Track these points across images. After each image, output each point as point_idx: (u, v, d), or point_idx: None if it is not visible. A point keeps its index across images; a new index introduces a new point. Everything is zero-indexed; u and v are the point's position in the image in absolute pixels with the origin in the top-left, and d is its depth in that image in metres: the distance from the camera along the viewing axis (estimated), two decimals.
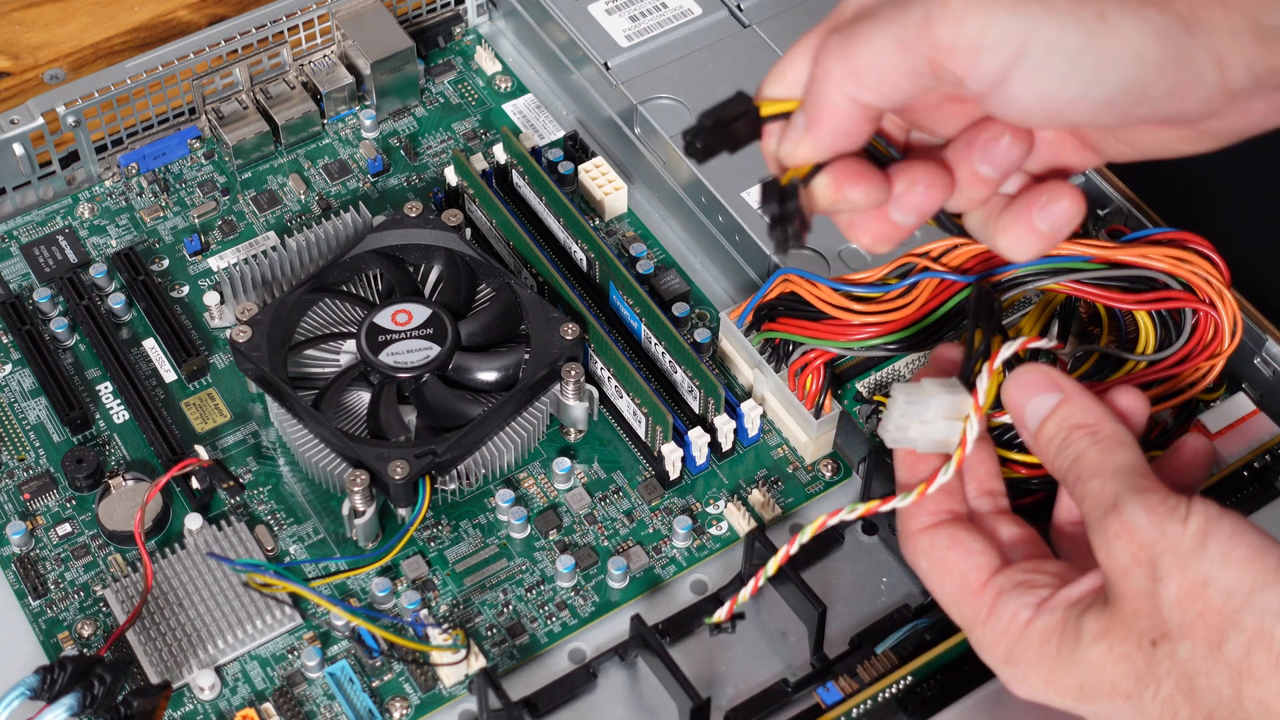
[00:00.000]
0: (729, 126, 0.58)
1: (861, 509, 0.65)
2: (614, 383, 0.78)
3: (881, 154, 0.60)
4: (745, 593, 0.69)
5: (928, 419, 0.63)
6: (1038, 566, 0.60)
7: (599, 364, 0.78)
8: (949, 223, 0.62)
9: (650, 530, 0.76)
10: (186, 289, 0.84)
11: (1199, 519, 0.54)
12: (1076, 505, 0.59)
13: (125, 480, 0.76)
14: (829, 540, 0.74)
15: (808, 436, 0.77)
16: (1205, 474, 0.64)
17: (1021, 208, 0.60)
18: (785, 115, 0.57)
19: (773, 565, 0.67)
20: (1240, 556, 0.53)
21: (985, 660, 0.60)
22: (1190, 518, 0.54)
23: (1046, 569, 0.60)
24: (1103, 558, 0.56)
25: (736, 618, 0.70)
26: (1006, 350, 0.63)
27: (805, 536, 0.65)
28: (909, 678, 0.68)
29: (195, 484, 0.75)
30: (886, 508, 0.64)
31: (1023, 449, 0.69)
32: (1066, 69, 0.53)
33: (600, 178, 0.87)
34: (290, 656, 0.72)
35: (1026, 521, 0.64)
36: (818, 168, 0.57)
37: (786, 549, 0.66)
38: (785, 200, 0.57)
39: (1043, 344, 0.66)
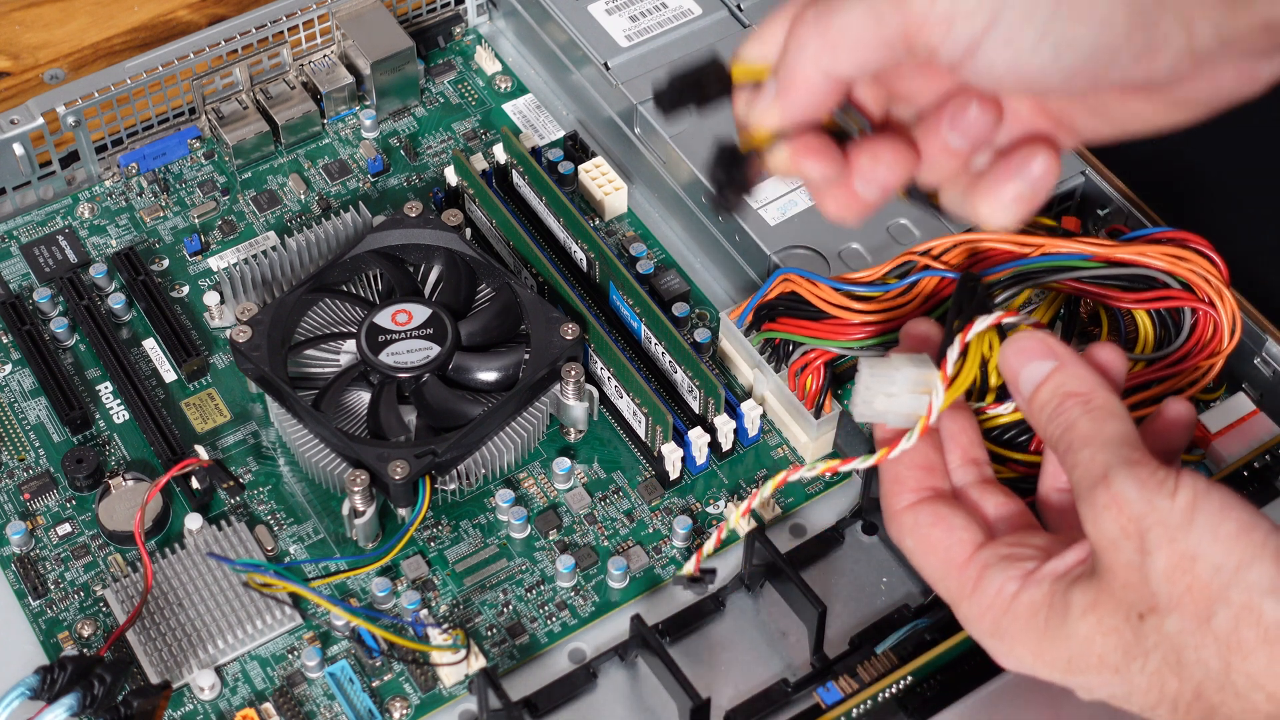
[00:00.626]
0: (699, 83, 0.58)
1: (821, 466, 0.66)
2: (614, 383, 0.78)
3: (851, 125, 0.60)
4: (709, 544, 0.70)
5: (893, 392, 0.64)
6: (1023, 539, 0.60)
7: (599, 364, 0.78)
8: (923, 200, 0.62)
9: (650, 530, 0.76)
10: (186, 289, 0.84)
11: (1188, 493, 0.55)
12: (1066, 474, 0.59)
13: (125, 480, 0.76)
14: (829, 540, 0.74)
15: (808, 436, 0.77)
16: (1187, 438, 0.64)
17: (998, 171, 0.59)
18: (755, 81, 0.58)
19: (734, 517, 0.70)
20: (1228, 531, 0.54)
21: (972, 634, 0.60)
22: (1179, 491, 0.55)
23: (1032, 541, 0.60)
24: (1091, 529, 0.56)
25: (706, 573, 0.70)
26: (981, 324, 0.63)
27: (766, 491, 0.68)
28: (909, 678, 0.68)
29: (195, 484, 0.75)
30: (846, 468, 0.65)
31: (1022, 448, 0.69)
32: (1037, 35, 0.53)
33: (600, 178, 0.87)
34: (290, 656, 0.72)
35: (1013, 493, 0.64)
36: (781, 138, 0.57)
37: (749, 502, 0.69)
38: (735, 167, 0.58)
39: (1018, 319, 0.66)
